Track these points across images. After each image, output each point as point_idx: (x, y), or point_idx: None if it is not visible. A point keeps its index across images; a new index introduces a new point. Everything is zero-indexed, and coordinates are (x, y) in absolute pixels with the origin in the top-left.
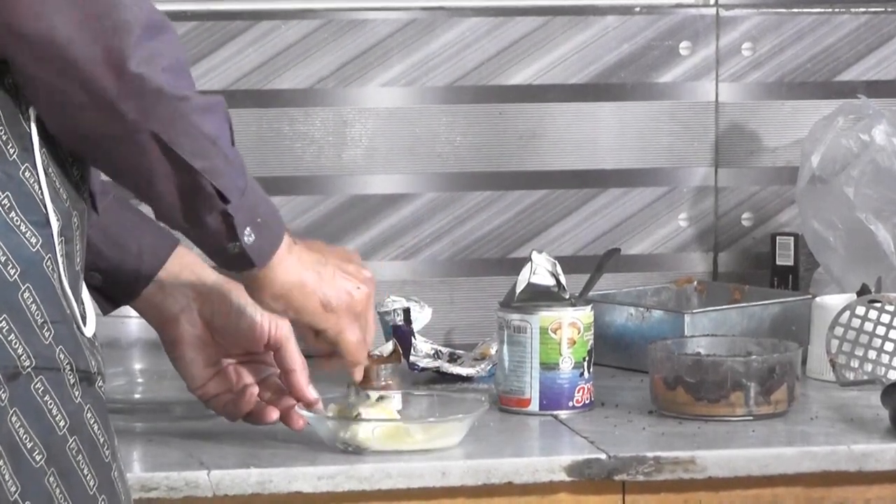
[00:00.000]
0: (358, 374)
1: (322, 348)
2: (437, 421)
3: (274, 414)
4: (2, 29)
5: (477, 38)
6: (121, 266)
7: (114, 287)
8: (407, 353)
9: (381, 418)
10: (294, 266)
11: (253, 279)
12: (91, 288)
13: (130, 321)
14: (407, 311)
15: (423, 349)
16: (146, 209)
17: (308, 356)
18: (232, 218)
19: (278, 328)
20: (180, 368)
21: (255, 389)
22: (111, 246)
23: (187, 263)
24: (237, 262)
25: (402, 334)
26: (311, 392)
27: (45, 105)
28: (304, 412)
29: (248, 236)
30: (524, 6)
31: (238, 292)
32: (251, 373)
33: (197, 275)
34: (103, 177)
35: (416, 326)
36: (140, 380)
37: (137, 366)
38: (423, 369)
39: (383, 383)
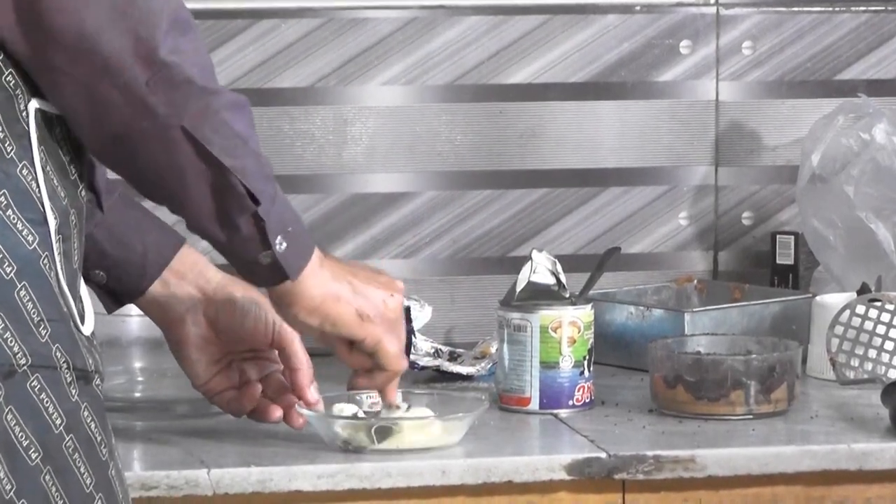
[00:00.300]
0: (391, 395)
1: (358, 362)
2: (436, 419)
3: (277, 412)
4: (31, 25)
5: (477, 36)
6: (125, 264)
7: (118, 285)
8: (407, 352)
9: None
10: (326, 278)
11: (285, 293)
12: (95, 286)
13: (131, 320)
14: (407, 310)
15: (423, 348)
16: (154, 208)
17: (313, 355)
18: (264, 223)
19: (282, 327)
20: (185, 367)
21: (259, 387)
22: (116, 244)
23: (192, 262)
24: (270, 273)
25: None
26: (312, 393)
27: (75, 106)
28: (304, 411)
29: (279, 244)
30: (525, 5)
31: (243, 291)
32: (255, 369)
33: (202, 274)
34: (109, 175)
35: (416, 325)
36: (140, 378)
37: (137, 364)
38: (424, 368)
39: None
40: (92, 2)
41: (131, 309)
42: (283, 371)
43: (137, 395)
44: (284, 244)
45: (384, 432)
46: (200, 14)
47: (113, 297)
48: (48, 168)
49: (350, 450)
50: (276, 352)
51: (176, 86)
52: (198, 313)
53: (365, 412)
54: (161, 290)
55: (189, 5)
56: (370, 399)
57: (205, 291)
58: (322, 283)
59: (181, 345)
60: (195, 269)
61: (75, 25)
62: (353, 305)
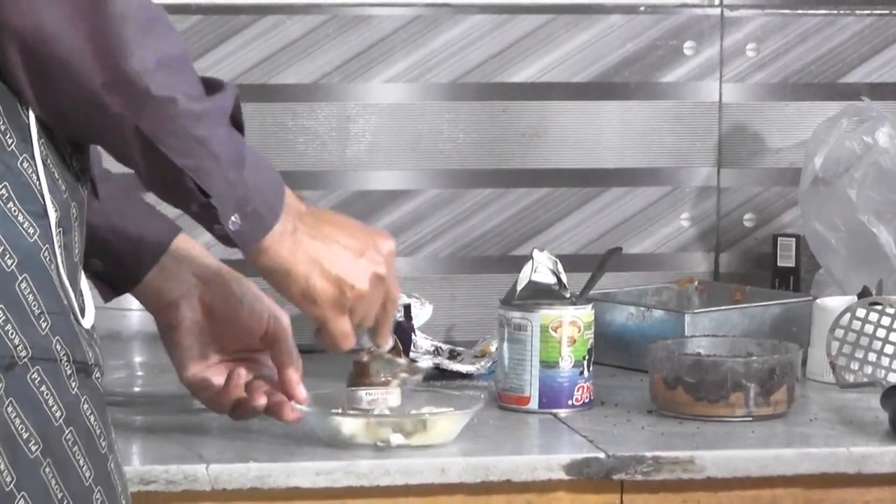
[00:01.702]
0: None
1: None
2: (431, 416)
3: (261, 399)
4: None
5: (481, 35)
6: (123, 252)
7: (115, 273)
8: (407, 350)
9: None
10: (282, 253)
11: (245, 255)
12: (92, 275)
13: (131, 314)
14: (408, 308)
15: (423, 345)
16: (156, 202)
17: (309, 352)
18: (215, 209)
19: (277, 321)
20: (175, 355)
21: (242, 378)
22: (113, 232)
23: (190, 250)
24: (224, 241)
25: (402, 330)
26: (301, 390)
27: (35, 97)
28: (299, 406)
29: (233, 223)
30: (529, 4)
31: (239, 281)
32: (246, 369)
33: (200, 261)
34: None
35: (416, 323)
36: (140, 373)
37: (138, 359)
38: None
39: (383, 379)
40: (52, 4)
41: (132, 303)
42: (271, 369)
43: (137, 389)
44: (238, 223)
45: (385, 427)
46: (205, 9)
47: (110, 285)
48: (49, 161)
49: (344, 446)
50: (267, 353)
51: (132, 93)
52: (193, 298)
53: (355, 408)
54: (158, 275)
55: (194, 0)
56: (369, 396)
57: (202, 277)
58: (273, 258)
59: (173, 330)
60: (192, 255)
61: (33, 27)
62: (299, 285)
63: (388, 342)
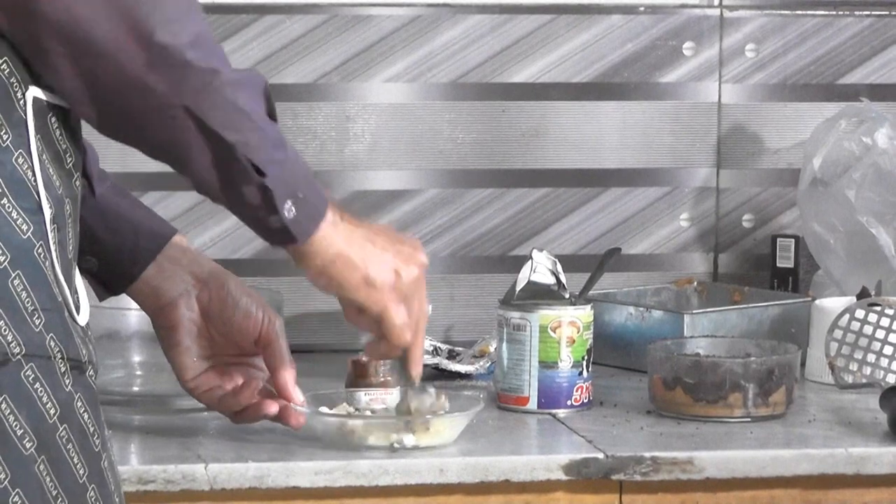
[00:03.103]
0: (411, 368)
1: (365, 326)
2: (432, 418)
3: (273, 407)
4: (27, 15)
5: (481, 35)
6: (117, 250)
7: (110, 272)
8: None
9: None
10: (338, 240)
11: (295, 253)
12: (87, 273)
13: (130, 313)
14: None
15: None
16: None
17: (308, 352)
18: (271, 192)
19: (270, 323)
20: (174, 357)
21: (258, 384)
22: (108, 231)
23: (185, 250)
24: (279, 236)
25: None
26: (297, 393)
27: (75, 88)
28: (300, 408)
29: (288, 211)
30: (529, 4)
31: (234, 283)
32: (240, 373)
33: (196, 261)
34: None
35: None
36: (139, 372)
37: (136, 358)
38: (423, 366)
39: (382, 379)
40: None
41: (130, 303)
42: (264, 372)
43: (136, 389)
44: (294, 210)
45: (385, 429)
46: (205, 8)
47: (104, 284)
48: (44, 157)
49: (346, 447)
50: (261, 357)
51: (174, 66)
52: (191, 297)
53: (357, 409)
54: (155, 274)
55: None
56: (367, 396)
57: (198, 276)
58: (331, 246)
59: (173, 330)
60: (189, 256)
61: (66, 11)
62: (360, 271)
63: (420, 372)
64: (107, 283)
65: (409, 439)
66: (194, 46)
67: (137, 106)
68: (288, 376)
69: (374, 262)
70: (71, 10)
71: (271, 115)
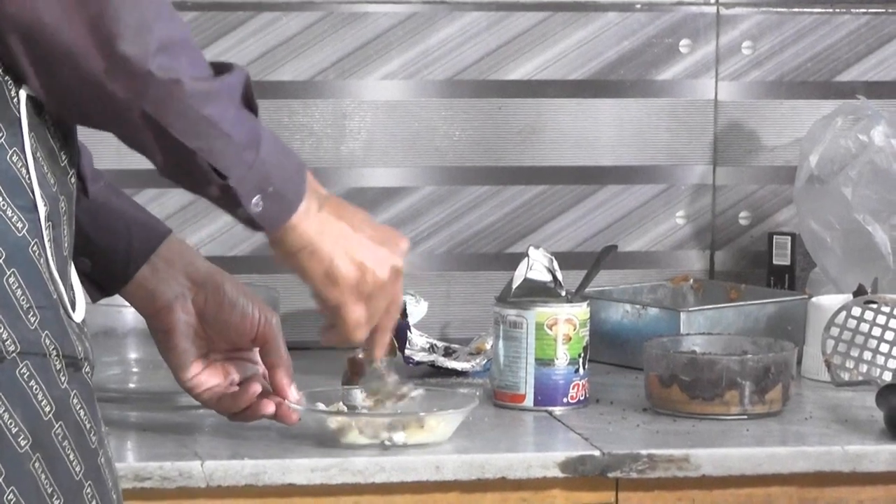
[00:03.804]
0: (377, 352)
1: (323, 312)
2: (426, 415)
3: (269, 407)
4: None
5: (477, 32)
6: (111, 251)
7: (104, 272)
8: (402, 347)
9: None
10: (309, 231)
11: (269, 236)
12: (81, 275)
13: (126, 310)
14: (403, 305)
15: (418, 343)
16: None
17: (307, 349)
18: (234, 190)
19: (267, 322)
20: (172, 359)
21: (258, 387)
22: (101, 231)
23: (180, 251)
24: (249, 224)
25: (397, 328)
26: (293, 391)
27: (42, 89)
28: (295, 406)
29: (255, 205)
30: (525, 1)
31: (230, 283)
32: (237, 369)
33: (191, 262)
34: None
35: (411, 320)
36: (135, 369)
37: (132, 355)
38: (419, 363)
39: (369, 402)
40: None
41: None
42: (263, 374)
43: (132, 386)
44: (261, 204)
45: (380, 426)
46: (201, 6)
47: (98, 285)
48: (38, 154)
49: (341, 444)
50: (257, 353)
51: (134, 76)
52: (186, 300)
53: (349, 405)
54: (149, 276)
55: None
56: (363, 393)
57: (194, 279)
58: (300, 237)
59: (169, 333)
60: (183, 257)
61: (30, 15)
62: (324, 265)
63: (382, 356)
64: (100, 284)
65: (399, 437)
66: (159, 54)
67: (98, 109)
68: (284, 375)
69: (341, 257)
70: (36, 14)
71: (251, 107)
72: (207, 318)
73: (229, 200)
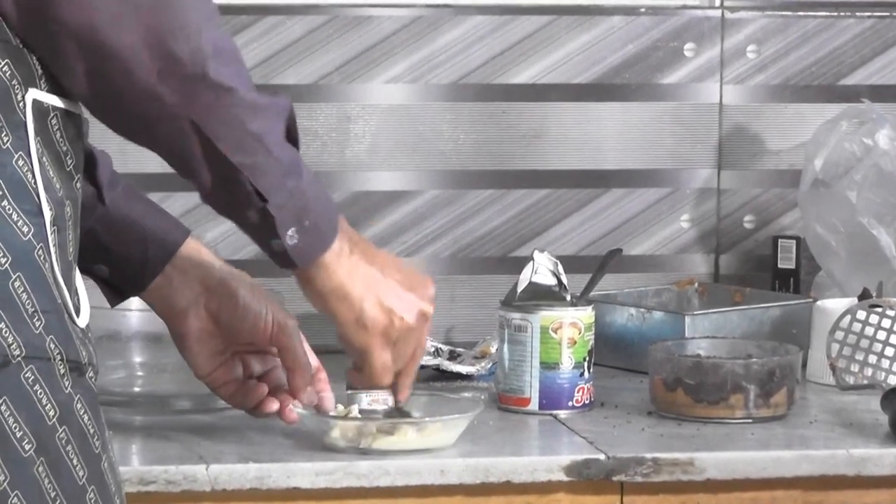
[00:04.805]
0: (400, 396)
1: (350, 354)
2: (431, 420)
3: (273, 405)
4: (45, 19)
5: (482, 36)
6: (127, 260)
7: (121, 280)
8: None
9: (379, 419)
10: (340, 273)
11: (298, 274)
12: (98, 280)
13: (130, 314)
14: None
15: None
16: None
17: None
18: (273, 217)
19: (283, 327)
20: (187, 358)
21: (265, 388)
22: (117, 240)
23: (196, 256)
24: (280, 258)
25: None
26: (307, 395)
27: (90, 92)
28: (299, 409)
29: (290, 237)
30: (529, 5)
31: (245, 289)
32: (259, 363)
33: (205, 268)
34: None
35: None
36: (140, 373)
37: (137, 359)
38: (423, 367)
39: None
40: None
41: (131, 303)
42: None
43: (137, 389)
44: (296, 238)
45: (380, 431)
46: None
47: (115, 291)
48: (44, 159)
49: (345, 449)
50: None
51: (186, 78)
52: (199, 307)
53: (361, 410)
54: (163, 284)
55: None
56: (368, 397)
57: (207, 286)
58: (331, 278)
59: (183, 338)
60: (198, 264)
61: (85, 17)
62: (354, 308)
63: (405, 398)
64: (117, 289)
65: (403, 442)
66: (213, 58)
67: (146, 113)
68: (300, 378)
69: (371, 302)
70: (89, 15)
71: (293, 140)
72: (222, 323)
73: (266, 229)
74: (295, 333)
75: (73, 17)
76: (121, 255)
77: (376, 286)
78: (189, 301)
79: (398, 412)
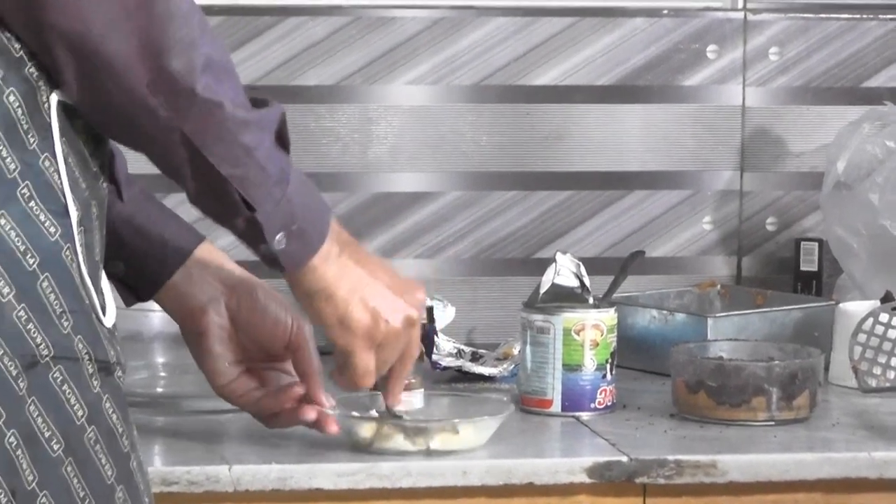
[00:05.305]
0: (390, 399)
1: (336, 357)
2: (461, 422)
3: (311, 413)
4: (38, 26)
5: (504, 37)
6: (145, 255)
7: (137, 277)
8: (429, 352)
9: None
10: (327, 276)
11: (286, 275)
12: (114, 278)
13: (153, 315)
14: (430, 310)
15: (445, 348)
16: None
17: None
18: (260, 225)
19: (300, 329)
20: (206, 363)
21: (301, 389)
22: (136, 235)
23: (214, 256)
24: (270, 262)
25: (424, 333)
26: (327, 398)
27: (83, 99)
28: (329, 410)
29: (278, 243)
30: (552, 7)
31: (263, 289)
32: (272, 378)
33: (224, 267)
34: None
35: (438, 325)
36: (162, 374)
37: (160, 359)
38: (445, 368)
39: (405, 382)
40: (98, 4)
41: (154, 304)
42: (293, 376)
43: (159, 390)
44: (285, 242)
45: (415, 433)
46: (228, 10)
47: (131, 290)
48: (70, 160)
49: (372, 451)
50: (289, 361)
51: (177, 92)
52: (220, 304)
53: (378, 412)
54: (183, 280)
55: (217, 0)
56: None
57: (227, 284)
58: (318, 280)
59: (202, 336)
60: (217, 262)
61: (79, 26)
62: (339, 311)
63: (400, 404)
64: (134, 288)
65: (434, 443)
66: (205, 73)
67: (136, 121)
68: (316, 382)
69: (356, 305)
70: (83, 24)
71: (283, 144)
72: (240, 323)
73: (254, 235)
74: (310, 336)
75: (67, 24)
76: (139, 251)
77: (363, 288)
78: (209, 297)
79: (391, 415)
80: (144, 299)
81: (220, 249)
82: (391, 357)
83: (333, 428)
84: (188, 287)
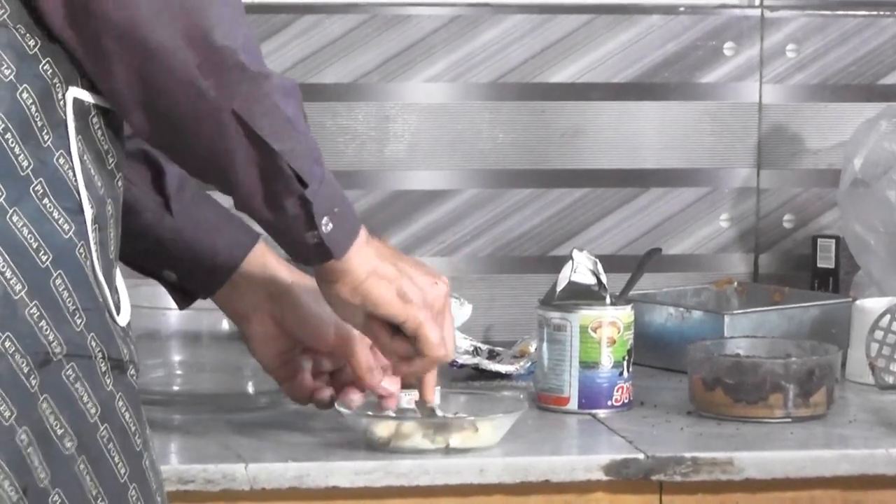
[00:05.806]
0: (427, 393)
1: (400, 349)
2: (478, 419)
3: (356, 396)
4: (87, 16)
5: (521, 35)
6: (195, 268)
7: (189, 285)
8: None
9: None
10: (371, 256)
11: (331, 271)
12: (167, 285)
13: (170, 313)
14: None
15: (462, 345)
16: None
17: None
18: (311, 204)
19: (343, 340)
20: (253, 354)
21: (329, 390)
22: (186, 248)
23: (263, 263)
24: (316, 252)
25: None
26: (384, 387)
27: (126, 90)
28: (342, 409)
29: (325, 226)
30: (569, 4)
31: (308, 296)
32: (327, 361)
33: (271, 275)
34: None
35: (455, 322)
36: (178, 372)
37: (176, 357)
38: (462, 366)
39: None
40: None
41: (170, 302)
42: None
43: (176, 388)
44: (331, 225)
45: (436, 430)
46: (246, 7)
47: (184, 293)
48: (85, 157)
49: (387, 448)
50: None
51: (227, 69)
52: (263, 313)
53: (400, 409)
54: (229, 291)
55: None
56: (408, 396)
57: (271, 293)
58: (366, 262)
59: (248, 341)
60: (264, 271)
61: (127, 13)
62: (395, 286)
63: (437, 398)
64: (186, 292)
65: (453, 441)
66: (246, 50)
67: (187, 109)
68: (373, 379)
69: (406, 278)
70: (131, 12)
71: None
72: (286, 329)
73: (304, 220)
74: (358, 342)
75: (116, 13)
76: (189, 264)
77: (402, 264)
78: (253, 306)
79: (426, 410)
80: (196, 300)
81: (271, 252)
82: (449, 323)
83: (389, 402)
84: (234, 296)
